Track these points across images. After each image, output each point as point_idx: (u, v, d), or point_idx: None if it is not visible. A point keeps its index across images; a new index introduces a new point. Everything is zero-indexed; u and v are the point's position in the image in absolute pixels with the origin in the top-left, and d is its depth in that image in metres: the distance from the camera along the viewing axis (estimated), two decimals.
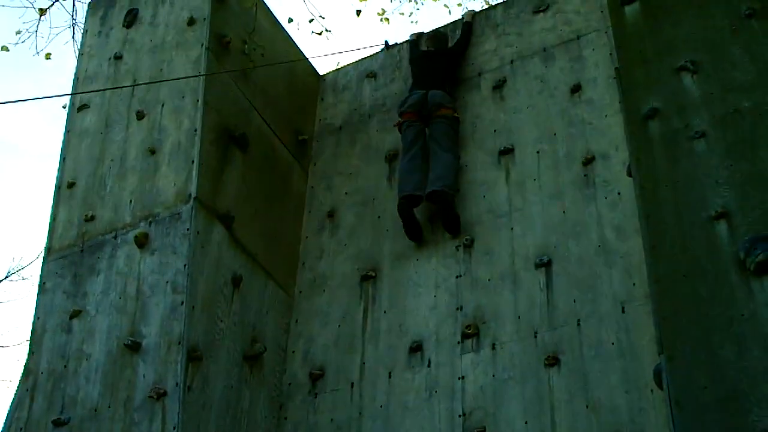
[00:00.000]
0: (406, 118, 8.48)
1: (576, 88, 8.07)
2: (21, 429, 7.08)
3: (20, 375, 7.47)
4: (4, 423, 8.46)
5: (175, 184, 7.56)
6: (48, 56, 11.55)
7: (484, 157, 8.12)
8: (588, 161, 7.53)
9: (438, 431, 6.73)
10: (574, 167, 7.57)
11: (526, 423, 6.44)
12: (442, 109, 8.42)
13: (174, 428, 6.41)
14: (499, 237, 7.50)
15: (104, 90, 8.60)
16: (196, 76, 8.07)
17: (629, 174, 6.80)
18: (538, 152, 7.85)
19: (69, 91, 9.05)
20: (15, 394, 7.94)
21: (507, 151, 8.01)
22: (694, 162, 6.02)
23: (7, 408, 8.05)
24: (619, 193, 7.19)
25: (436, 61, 8.95)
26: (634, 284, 6.67)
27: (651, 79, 6.62)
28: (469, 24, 9.26)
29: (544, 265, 7.12)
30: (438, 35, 9.37)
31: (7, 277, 17.30)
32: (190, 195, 7.40)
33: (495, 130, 8.24)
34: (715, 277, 5.47)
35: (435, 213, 7.91)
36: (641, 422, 6.07)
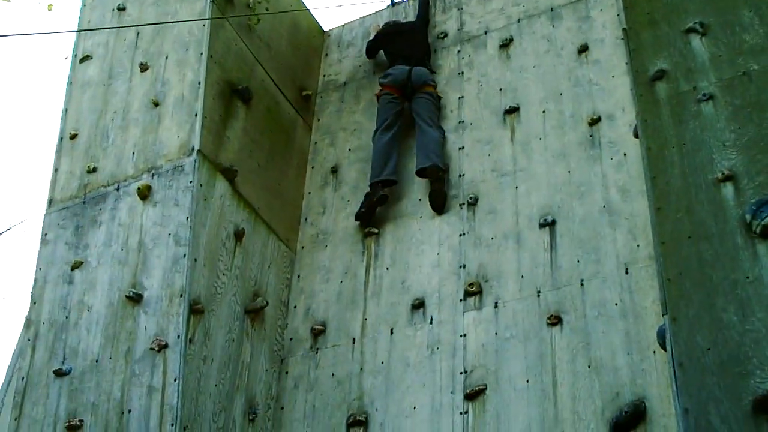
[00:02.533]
0: (388, 90, 8.51)
1: (583, 49, 8.02)
2: (23, 379, 7.09)
3: (22, 326, 7.48)
4: (6, 373, 8.51)
5: (178, 137, 7.53)
6: (50, 7, 11.46)
7: (489, 115, 8.08)
8: (594, 122, 7.50)
9: (439, 388, 6.75)
10: (580, 127, 7.54)
11: (527, 382, 6.45)
12: (426, 86, 8.47)
13: (175, 380, 6.42)
14: (504, 196, 7.48)
15: (109, 29, 8.56)
16: (201, 19, 8.03)
17: (635, 135, 6.79)
18: (543, 112, 7.81)
19: (72, 43, 8.97)
20: (17, 344, 7.97)
21: (512, 110, 7.97)
22: (701, 124, 5.99)
23: (9, 358, 8.08)
24: (624, 154, 7.17)
25: (414, 36, 8.98)
26: (638, 246, 6.66)
27: (659, 41, 6.57)
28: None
29: (548, 224, 7.11)
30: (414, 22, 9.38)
31: (8, 230, 17.29)
32: (193, 148, 7.37)
33: (501, 89, 8.20)
34: (720, 240, 5.45)
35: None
36: (643, 383, 6.08)
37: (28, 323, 7.37)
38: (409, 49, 8.80)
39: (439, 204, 7.69)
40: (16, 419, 6.95)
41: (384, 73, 8.70)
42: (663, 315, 5.45)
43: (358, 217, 7.90)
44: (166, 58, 8.13)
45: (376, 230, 7.82)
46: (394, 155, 8.12)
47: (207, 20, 8.02)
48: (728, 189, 5.62)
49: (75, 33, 9.01)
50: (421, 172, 7.85)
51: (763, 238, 5.30)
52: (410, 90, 8.48)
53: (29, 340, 7.26)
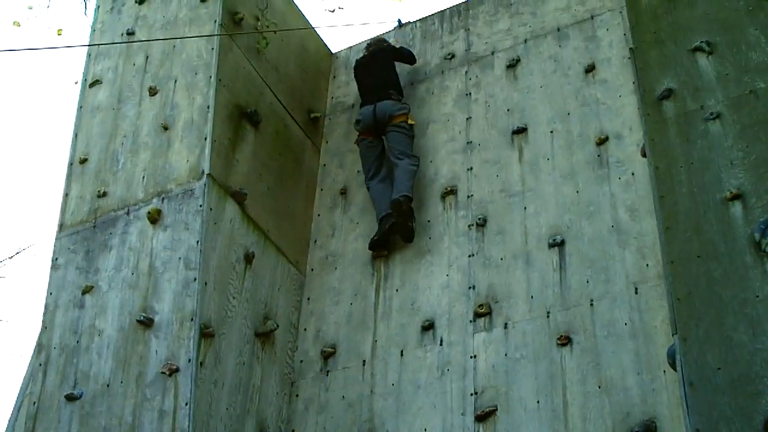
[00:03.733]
0: (363, 136, 8.50)
1: (590, 68, 8.05)
2: (34, 403, 7.10)
3: (33, 350, 7.50)
4: (17, 397, 8.52)
5: (187, 161, 7.56)
6: (59, 32, 11.53)
7: (497, 136, 8.10)
8: (601, 141, 7.51)
9: (450, 409, 6.75)
10: (588, 147, 7.56)
11: (538, 402, 6.45)
12: (393, 118, 8.40)
13: (186, 404, 6.43)
14: (512, 216, 7.49)
15: (118, 43, 8.64)
16: (210, 35, 8.17)
17: (643, 154, 6.81)
18: (551, 132, 7.83)
19: (81, 69, 9.02)
20: (28, 369, 7.98)
21: (520, 131, 7.99)
22: (708, 143, 6.01)
23: (21, 383, 8.09)
24: (632, 174, 7.18)
25: (378, 67, 8.90)
26: (647, 265, 6.66)
27: (666, 60, 6.59)
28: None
29: (557, 244, 7.12)
30: (377, 40, 9.40)
31: (17, 253, 17.34)
32: (202, 171, 7.40)
33: (508, 110, 8.22)
34: (729, 259, 5.46)
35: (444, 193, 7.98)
36: (653, 403, 6.07)
37: (39, 348, 7.39)
38: (372, 84, 8.76)
39: (404, 235, 7.82)
40: None
41: (356, 119, 8.71)
42: (673, 335, 5.45)
43: (372, 246, 7.91)
44: (175, 82, 8.17)
45: (385, 252, 7.84)
46: (388, 194, 8.11)
47: (215, 41, 8.06)
48: (737, 208, 5.63)
49: (85, 57, 9.06)
50: (391, 206, 7.89)
51: None
52: (381, 127, 8.45)
53: (40, 364, 7.28)
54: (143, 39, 8.62)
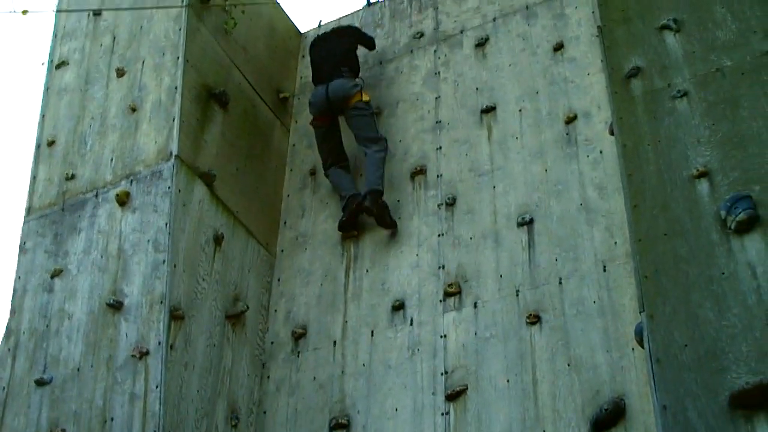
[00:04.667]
0: (317, 123, 8.35)
1: (558, 47, 8.05)
2: (3, 389, 7.07)
3: (2, 336, 7.46)
4: None
5: (156, 142, 7.53)
6: (24, 12, 11.40)
7: (466, 115, 8.10)
8: (570, 120, 7.53)
9: (420, 389, 6.78)
10: (556, 126, 7.57)
11: (507, 381, 6.48)
12: (348, 100, 8.21)
13: (156, 387, 6.43)
14: (481, 195, 7.50)
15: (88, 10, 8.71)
16: (177, 6, 8.18)
17: (611, 133, 6.83)
18: (520, 110, 7.84)
19: (48, 48, 8.95)
20: None
21: (489, 110, 7.99)
22: (675, 121, 6.05)
23: None
24: (601, 152, 7.20)
25: (335, 45, 8.68)
26: (615, 243, 6.69)
27: (633, 38, 6.62)
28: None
29: (526, 223, 7.14)
30: (343, 25, 9.25)
31: None
32: (171, 153, 7.37)
33: (477, 89, 8.21)
34: (695, 236, 5.51)
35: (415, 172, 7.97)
36: (622, 380, 6.11)
37: (8, 333, 7.35)
38: (324, 61, 8.54)
39: (384, 225, 7.72)
40: None
41: (309, 101, 8.52)
42: (640, 312, 5.49)
43: (341, 227, 7.87)
44: (143, 63, 8.12)
45: (355, 232, 7.83)
46: (345, 179, 8.12)
47: (183, 21, 8.03)
48: (703, 185, 5.68)
49: (51, 38, 8.99)
50: (364, 198, 7.82)
51: (738, 234, 5.36)
52: (336, 108, 8.27)
53: (9, 350, 7.24)
54: (109, 27, 8.55)
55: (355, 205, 7.79)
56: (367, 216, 7.78)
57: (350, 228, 7.86)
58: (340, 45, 8.64)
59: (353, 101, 8.21)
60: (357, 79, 8.40)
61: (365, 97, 8.26)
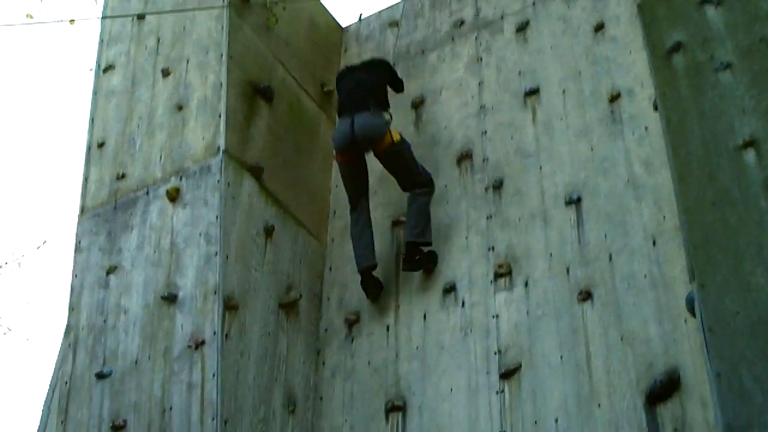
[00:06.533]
0: (340, 160, 7.82)
1: (599, 27, 8.04)
2: (66, 383, 7.22)
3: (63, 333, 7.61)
4: (51, 379, 8.65)
5: (203, 138, 7.64)
6: (72, 21, 11.58)
7: (510, 99, 8.12)
8: (614, 98, 7.52)
9: (474, 369, 6.81)
10: (600, 105, 7.57)
11: (561, 357, 6.50)
12: (378, 144, 7.61)
13: (213, 376, 6.52)
14: (528, 177, 7.52)
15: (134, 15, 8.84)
16: (218, 7, 8.23)
17: (656, 108, 6.82)
18: (563, 92, 7.84)
19: (95, 55, 9.10)
20: (59, 351, 8.10)
21: (532, 92, 8.00)
22: (720, 93, 6.03)
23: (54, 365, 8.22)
24: (646, 128, 7.19)
25: (365, 75, 8.09)
26: (664, 217, 6.68)
27: (674, 13, 6.60)
28: None
29: (574, 202, 7.15)
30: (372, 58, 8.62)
31: (44, 243, 17.45)
32: (218, 148, 7.47)
33: (520, 72, 8.23)
34: (744, 205, 5.49)
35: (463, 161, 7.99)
36: (676, 352, 6.11)
37: (68, 329, 7.50)
38: (351, 91, 7.93)
39: (416, 268, 7.41)
40: (62, 423, 7.09)
41: (332, 135, 7.99)
42: (691, 282, 5.49)
43: (371, 298, 7.59)
44: (187, 62, 8.23)
45: (404, 219, 7.88)
46: (362, 241, 7.59)
47: (225, 19, 8.12)
48: (750, 155, 5.66)
49: (98, 44, 9.13)
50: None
51: None
52: (362, 146, 7.64)
53: (70, 345, 7.40)
54: (153, 30, 8.67)
55: (366, 289, 7.53)
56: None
57: (376, 294, 7.56)
58: (369, 77, 8.05)
59: (385, 144, 7.60)
60: (385, 114, 7.79)
61: (396, 136, 7.64)
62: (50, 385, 8.70)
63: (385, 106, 7.90)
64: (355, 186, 7.78)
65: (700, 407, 5.84)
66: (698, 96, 6.10)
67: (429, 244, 7.44)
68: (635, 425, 6.01)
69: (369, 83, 7.97)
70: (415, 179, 7.69)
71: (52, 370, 8.83)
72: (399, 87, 8.45)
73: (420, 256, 7.39)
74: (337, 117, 8.08)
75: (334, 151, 7.93)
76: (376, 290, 7.54)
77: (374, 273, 7.54)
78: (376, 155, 7.74)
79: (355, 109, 7.70)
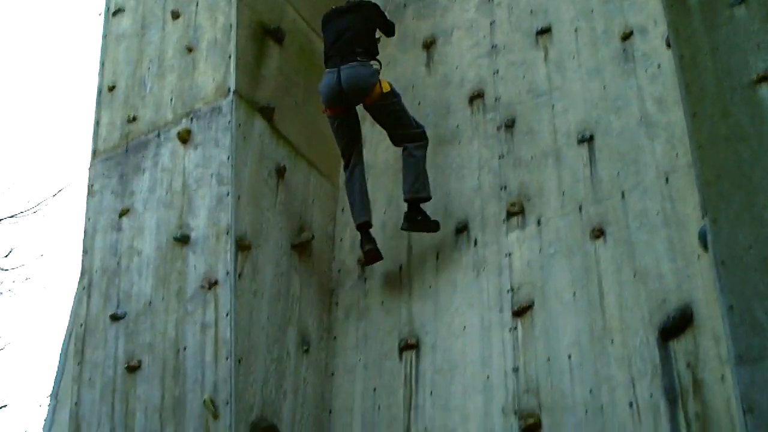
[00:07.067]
0: (329, 114, 7.53)
1: None
2: (81, 326, 7.28)
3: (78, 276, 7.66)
4: (68, 323, 8.75)
5: (213, 80, 7.61)
6: None
7: (521, 38, 8.05)
8: (626, 36, 7.44)
9: (487, 307, 6.83)
10: (613, 43, 7.50)
11: (574, 294, 6.51)
12: (366, 93, 7.33)
13: (227, 315, 6.56)
14: (540, 116, 7.49)
15: None
16: None
17: (668, 46, 6.76)
18: (575, 30, 7.77)
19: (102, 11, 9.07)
20: (75, 296, 8.17)
21: (544, 31, 7.92)
22: (734, 28, 5.96)
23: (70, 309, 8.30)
24: (659, 66, 7.13)
25: (351, 21, 7.67)
26: (676, 155, 6.65)
27: None
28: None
29: (587, 140, 7.11)
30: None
31: (60, 191, 17.50)
32: (229, 89, 7.45)
33: (531, 11, 8.14)
34: (758, 140, 5.46)
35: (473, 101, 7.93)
36: (689, 288, 6.11)
37: (82, 273, 7.54)
38: (335, 41, 7.58)
39: (415, 229, 7.26)
40: (78, 364, 7.16)
41: (319, 88, 7.58)
42: (703, 217, 5.48)
43: (366, 262, 7.44)
44: (197, 4, 8.18)
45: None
46: (356, 196, 7.43)
47: None
48: (764, 89, 5.62)
49: None
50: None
51: None
52: (351, 99, 7.36)
53: (84, 289, 7.44)
54: None
55: (365, 256, 7.35)
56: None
57: (373, 257, 7.35)
58: (355, 22, 7.66)
59: (374, 95, 7.34)
60: (373, 63, 7.51)
61: (385, 86, 7.38)
62: (67, 330, 8.79)
63: (373, 53, 7.59)
64: (346, 140, 7.56)
65: (713, 342, 5.86)
66: (711, 32, 6.04)
67: (428, 199, 7.27)
68: (648, 361, 6.03)
69: (355, 29, 7.59)
70: (405, 132, 7.46)
71: (69, 315, 8.93)
72: (389, 31, 8.18)
73: (421, 217, 7.24)
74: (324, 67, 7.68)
75: (323, 104, 7.62)
76: (371, 253, 7.30)
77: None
78: (365, 107, 7.51)
79: (341, 60, 7.41)
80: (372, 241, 7.35)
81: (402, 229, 7.34)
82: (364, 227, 7.36)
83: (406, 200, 7.30)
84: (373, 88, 7.33)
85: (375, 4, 8.09)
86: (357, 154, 7.59)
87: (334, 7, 8.05)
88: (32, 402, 21.40)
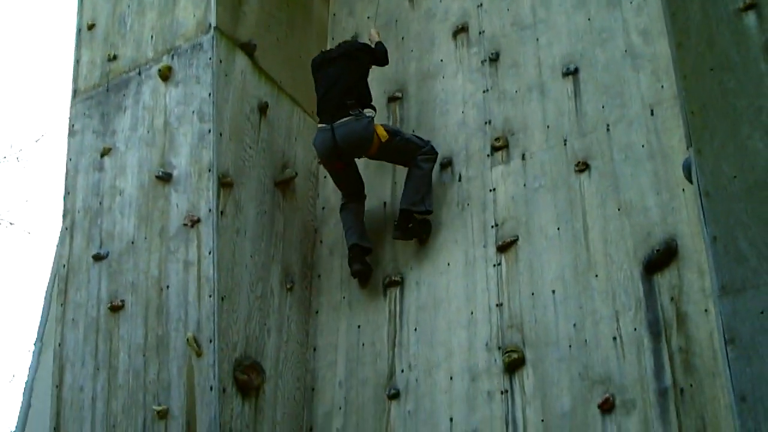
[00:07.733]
0: (327, 167, 7.31)
1: None
2: (64, 266, 7.23)
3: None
4: (52, 266, 8.69)
5: (194, 16, 7.49)
6: None
7: None
8: None
9: (471, 243, 6.80)
10: None
11: (558, 229, 6.48)
12: (366, 147, 7.07)
13: (209, 253, 6.51)
14: (525, 49, 7.39)
15: None
16: None
17: None
18: None
19: None
20: (59, 237, 8.11)
21: None
22: None
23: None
24: None
25: (338, 69, 7.35)
26: (662, 87, 6.59)
27: None
28: (379, 43, 7.77)
29: (571, 73, 7.04)
30: (348, 41, 7.86)
31: (42, 136, 17.38)
32: (210, 25, 7.33)
33: None
34: (743, 69, 5.37)
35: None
36: (673, 221, 6.08)
37: (65, 214, 7.48)
38: (327, 92, 7.26)
39: (405, 238, 7.00)
40: (62, 305, 7.13)
41: (312, 142, 7.32)
42: (688, 148, 5.41)
43: (355, 275, 7.19)
44: None
45: (399, 94, 7.77)
46: (351, 225, 7.21)
47: None
48: (750, 18, 5.51)
49: None
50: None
51: None
52: (349, 155, 7.11)
53: (66, 228, 7.39)
54: None
55: (352, 274, 7.18)
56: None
57: (364, 275, 7.18)
58: (344, 72, 7.32)
59: (374, 147, 7.09)
60: (367, 112, 7.15)
61: (383, 135, 7.06)
62: (52, 272, 8.75)
63: (366, 101, 7.23)
64: (346, 185, 7.33)
65: (697, 276, 5.85)
66: None
67: (429, 212, 7.04)
68: (632, 295, 6.02)
69: (345, 79, 7.25)
70: (415, 156, 7.15)
71: (53, 257, 8.87)
72: (382, 62, 7.66)
73: (413, 224, 7.01)
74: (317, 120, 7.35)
75: (318, 158, 7.48)
76: (359, 273, 7.12)
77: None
78: (369, 158, 7.31)
79: (332, 116, 7.09)
80: (361, 261, 7.09)
81: (393, 238, 7.04)
82: (354, 249, 7.13)
83: (401, 210, 7.01)
84: (371, 142, 7.03)
85: (362, 45, 7.65)
86: (357, 203, 7.34)
87: (323, 51, 7.81)
88: (21, 348, 21.45)
